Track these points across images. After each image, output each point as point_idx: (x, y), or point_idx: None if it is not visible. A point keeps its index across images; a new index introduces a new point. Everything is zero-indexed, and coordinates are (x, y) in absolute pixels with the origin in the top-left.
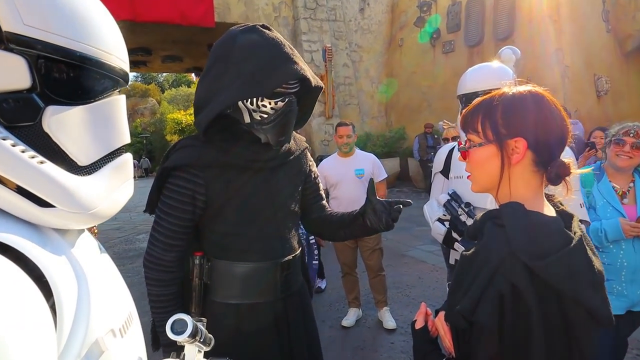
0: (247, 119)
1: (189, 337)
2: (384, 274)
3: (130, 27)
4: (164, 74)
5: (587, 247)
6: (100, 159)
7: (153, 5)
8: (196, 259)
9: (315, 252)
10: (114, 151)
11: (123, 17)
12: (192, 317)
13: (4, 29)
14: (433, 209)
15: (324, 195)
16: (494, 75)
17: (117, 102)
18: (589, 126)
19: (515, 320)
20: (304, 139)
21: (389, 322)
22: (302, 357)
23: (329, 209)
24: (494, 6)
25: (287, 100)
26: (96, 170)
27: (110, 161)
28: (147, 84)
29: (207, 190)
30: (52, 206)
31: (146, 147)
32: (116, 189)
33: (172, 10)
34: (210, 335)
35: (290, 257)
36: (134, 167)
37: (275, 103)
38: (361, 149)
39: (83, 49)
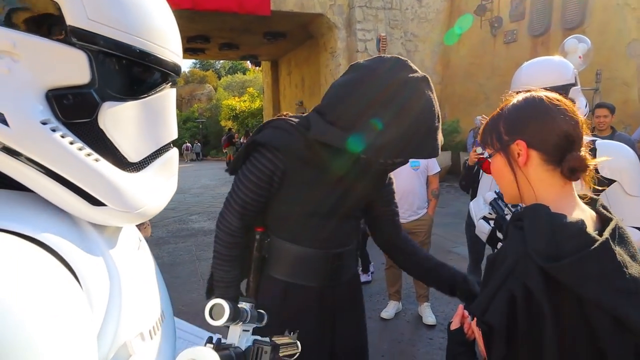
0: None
1: (227, 322)
2: None
3: (189, 16)
4: (221, 61)
5: (617, 251)
6: (149, 155)
7: None
8: (257, 234)
9: None
10: (162, 147)
11: (183, 6)
12: (244, 296)
13: (68, 23)
14: (479, 207)
15: (397, 211)
16: (551, 70)
17: (168, 96)
18: None
19: (528, 323)
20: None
21: (429, 318)
22: (345, 345)
23: (404, 234)
24: None
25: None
26: (145, 167)
27: (158, 157)
28: (205, 70)
29: (283, 174)
30: (104, 205)
31: (202, 132)
32: (162, 185)
33: (230, 0)
34: (262, 312)
35: (343, 249)
36: (188, 150)
37: (397, 161)
38: None
39: (143, 45)
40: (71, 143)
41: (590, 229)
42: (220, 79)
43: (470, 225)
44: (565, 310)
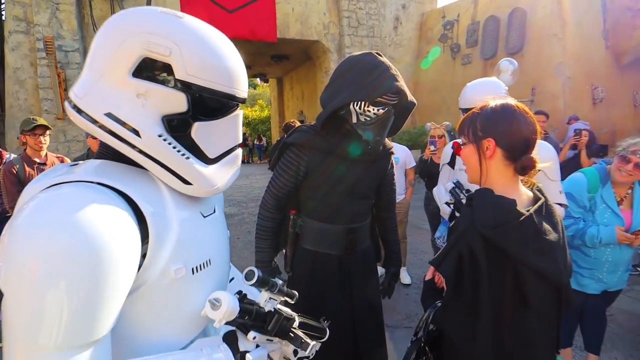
0: (354, 120)
1: (256, 284)
2: (406, 241)
3: None
4: None
5: (539, 222)
6: (222, 153)
7: (229, 24)
8: (292, 215)
9: None
10: (231, 148)
11: None
12: (286, 257)
13: (176, 76)
14: (441, 194)
15: (393, 197)
16: (488, 88)
17: (237, 117)
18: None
19: (471, 274)
20: (392, 145)
21: (406, 279)
22: (361, 301)
23: (391, 219)
24: (507, 25)
25: (387, 109)
26: (219, 161)
27: (228, 155)
28: None
29: (308, 166)
30: (191, 184)
31: None
32: (229, 173)
33: (244, 28)
34: (293, 292)
35: (356, 225)
36: None
37: (378, 110)
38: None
39: (223, 89)
40: (174, 147)
41: (523, 206)
42: None
43: (427, 205)
44: (498, 266)
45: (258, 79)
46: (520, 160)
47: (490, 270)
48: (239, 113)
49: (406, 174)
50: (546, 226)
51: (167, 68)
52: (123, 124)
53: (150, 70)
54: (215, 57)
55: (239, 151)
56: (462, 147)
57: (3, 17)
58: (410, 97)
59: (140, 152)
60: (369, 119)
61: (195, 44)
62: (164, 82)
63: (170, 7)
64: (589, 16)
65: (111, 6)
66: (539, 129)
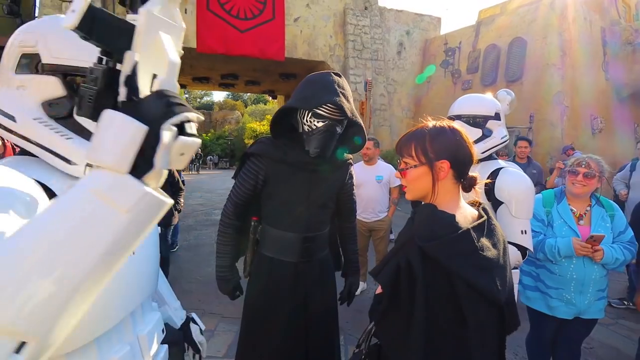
0: (300, 129)
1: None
2: None
3: (224, 59)
4: (247, 94)
5: (478, 239)
6: None
7: (240, 44)
8: (253, 222)
9: None
10: None
11: (219, 51)
12: (246, 262)
13: (42, 61)
14: None
15: (354, 207)
16: (477, 103)
17: None
18: None
19: (407, 286)
20: (350, 157)
21: None
22: (315, 308)
23: (351, 228)
24: (507, 54)
25: (326, 122)
26: None
27: None
28: (235, 100)
29: (265, 173)
30: (75, 164)
31: (230, 147)
32: None
33: (254, 48)
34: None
35: (312, 234)
36: (211, 161)
37: (318, 122)
38: (389, 162)
39: (90, 65)
40: (52, 129)
41: (466, 222)
42: (246, 107)
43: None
44: (434, 278)
45: (268, 95)
46: (467, 178)
47: (426, 282)
48: None
49: (390, 192)
50: (485, 243)
51: (38, 58)
52: (3, 113)
53: (27, 64)
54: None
55: None
56: (408, 170)
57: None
58: (352, 114)
59: (21, 137)
60: (309, 129)
61: (57, 30)
62: (36, 70)
63: (188, 26)
64: (589, 48)
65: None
66: (473, 152)
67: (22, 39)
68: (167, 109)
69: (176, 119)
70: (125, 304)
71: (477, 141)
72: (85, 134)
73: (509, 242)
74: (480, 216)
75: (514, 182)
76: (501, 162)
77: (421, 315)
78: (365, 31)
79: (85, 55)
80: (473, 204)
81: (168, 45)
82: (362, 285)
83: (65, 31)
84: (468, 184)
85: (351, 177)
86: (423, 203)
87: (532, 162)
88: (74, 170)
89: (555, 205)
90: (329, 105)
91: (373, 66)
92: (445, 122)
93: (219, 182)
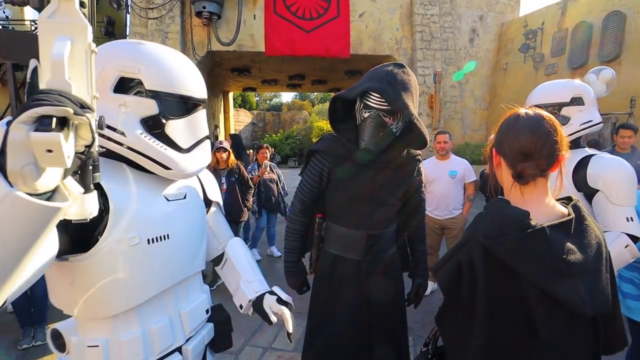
0: (358, 122)
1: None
2: None
3: (290, 60)
4: (314, 93)
5: (556, 238)
6: (193, 144)
7: (306, 44)
8: (317, 219)
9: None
10: (199, 139)
11: (285, 53)
12: (312, 259)
13: (146, 87)
14: None
15: (422, 206)
16: (549, 91)
17: (201, 113)
18: None
19: (468, 286)
20: (418, 153)
21: None
22: (379, 307)
23: (419, 228)
24: (601, 31)
25: (371, 112)
26: (191, 150)
27: (198, 145)
28: (302, 100)
29: (330, 170)
30: (170, 169)
31: (298, 146)
32: (200, 159)
33: (319, 47)
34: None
35: (377, 232)
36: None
37: (366, 113)
38: (461, 156)
39: (180, 92)
40: (153, 142)
41: (545, 221)
42: (313, 107)
43: None
44: (499, 280)
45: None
46: (515, 168)
47: (489, 283)
48: (201, 111)
49: (465, 189)
50: (570, 245)
51: (139, 83)
52: (114, 129)
53: (126, 86)
54: (171, 70)
55: (207, 142)
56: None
57: None
58: (398, 108)
59: (129, 148)
60: (360, 121)
61: (156, 62)
62: (137, 93)
63: (257, 31)
64: None
65: (207, 33)
66: (558, 140)
67: (123, 64)
68: (24, 109)
69: (23, 116)
70: (163, 280)
71: None
72: (172, 145)
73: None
74: (568, 215)
75: (610, 167)
76: (589, 150)
77: (482, 317)
78: (434, 20)
79: (175, 84)
80: (566, 201)
81: (57, 46)
82: (432, 286)
83: (161, 63)
84: (515, 174)
85: (419, 174)
86: (495, 198)
87: (637, 152)
88: (171, 174)
89: None
90: (373, 94)
91: (443, 57)
92: (522, 110)
93: (289, 181)
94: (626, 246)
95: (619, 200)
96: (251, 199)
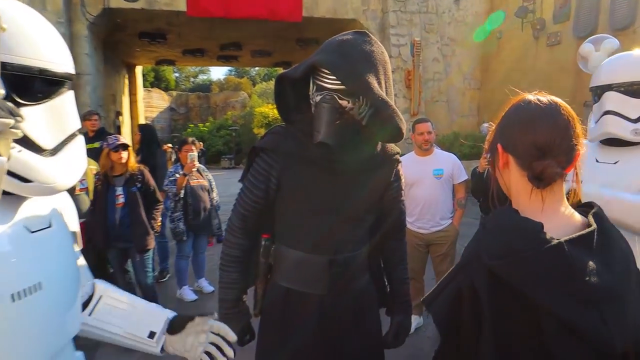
0: (313, 109)
1: None
2: None
3: (222, 24)
4: (255, 69)
5: (576, 256)
6: (60, 142)
7: (243, 3)
8: (263, 240)
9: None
10: (70, 136)
11: (216, 14)
12: (256, 295)
13: None
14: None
15: (402, 219)
16: (635, 64)
17: (67, 97)
18: None
19: (471, 318)
20: (397, 150)
21: None
22: (352, 355)
23: (399, 250)
24: None
25: (324, 94)
26: (58, 152)
27: (68, 144)
28: (239, 77)
29: (280, 174)
30: (30, 181)
31: (235, 140)
32: (72, 165)
33: (262, 7)
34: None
35: (343, 255)
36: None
37: (318, 97)
38: (447, 150)
39: (33, 63)
40: None
41: (562, 235)
42: (254, 86)
43: None
44: (509, 309)
45: (282, 69)
46: (531, 167)
47: (497, 316)
48: (67, 93)
49: (454, 192)
50: (592, 265)
51: None
52: None
53: None
54: (20, 30)
55: (80, 139)
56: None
57: None
58: (356, 83)
59: None
60: (313, 108)
61: None
62: None
63: None
64: None
65: None
66: (575, 133)
67: None
68: None
69: None
70: (37, 353)
71: None
72: (30, 145)
73: None
74: (588, 226)
75: None
76: None
77: (490, 358)
78: None
79: (24, 51)
80: (584, 209)
81: None
82: (416, 321)
83: (6, 22)
84: (532, 176)
85: (398, 178)
86: (500, 207)
87: None
88: (33, 189)
89: None
90: (324, 70)
91: (422, 21)
92: (527, 97)
93: (222, 188)
94: None
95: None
96: (159, 217)
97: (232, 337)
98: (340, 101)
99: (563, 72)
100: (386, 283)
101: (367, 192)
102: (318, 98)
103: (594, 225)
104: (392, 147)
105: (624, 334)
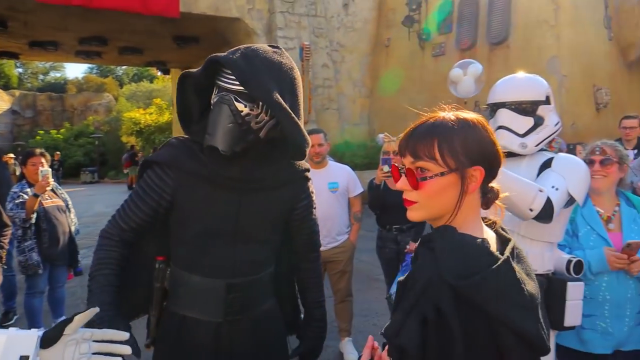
0: None
1: None
2: (351, 299)
3: (83, 14)
4: (123, 67)
5: (516, 268)
6: None
7: None
8: (158, 263)
9: None
10: None
11: (75, 2)
12: (149, 324)
13: None
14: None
15: (315, 239)
16: (524, 85)
17: None
18: (587, 141)
19: (439, 344)
20: (306, 167)
21: (350, 355)
22: None
23: (312, 270)
24: (488, 7)
25: (221, 94)
26: None
27: None
28: (103, 77)
29: (173, 191)
30: None
31: (98, 149)
32: None
33: None
34: None
35: (241, 279)
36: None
37: (216, 98)
38: (339, 160)
39: None
40: None
41: (493, 248)
42: (122, 87)
43: (381, 247)
44: (475, 330)
45: (158, 71)
46: (489, 191)
47: (467, 336)
48: None
49: (350, 205)
50: (522, 275)
51: None
52: None
53: None
54: None
55: None
56: (430, 179)
57: None
58: (254, 86)
59: None
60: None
61: None
62: None
63: None
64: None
65: None
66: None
67: None
68: None
69: None
70: None
71: (529, 132)
72: None
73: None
74: (501, 238)
75: (568, 159)
76: (547, 153)
77: None
78: None
79: None
80: (489, 223)
81: None
82: (352, 354)
83: None
84: (492, 199)
85: (308, 195)
86: (439, 226)
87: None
88: None
89: (579, 209)
90: (225, 70)
91: (311, 25)
92: (471, 114)
93: (84, 205)
94: (540, 190)
95: (559, 170)
96: (7, 244)
97: (123, 335)
98: (236, 103)
99: (447, 83)
100: (299, 307)
101: (270, 211)
102: (215, 99)
103: (513, 239)
104: (301, 163)
105: (547, 334)
